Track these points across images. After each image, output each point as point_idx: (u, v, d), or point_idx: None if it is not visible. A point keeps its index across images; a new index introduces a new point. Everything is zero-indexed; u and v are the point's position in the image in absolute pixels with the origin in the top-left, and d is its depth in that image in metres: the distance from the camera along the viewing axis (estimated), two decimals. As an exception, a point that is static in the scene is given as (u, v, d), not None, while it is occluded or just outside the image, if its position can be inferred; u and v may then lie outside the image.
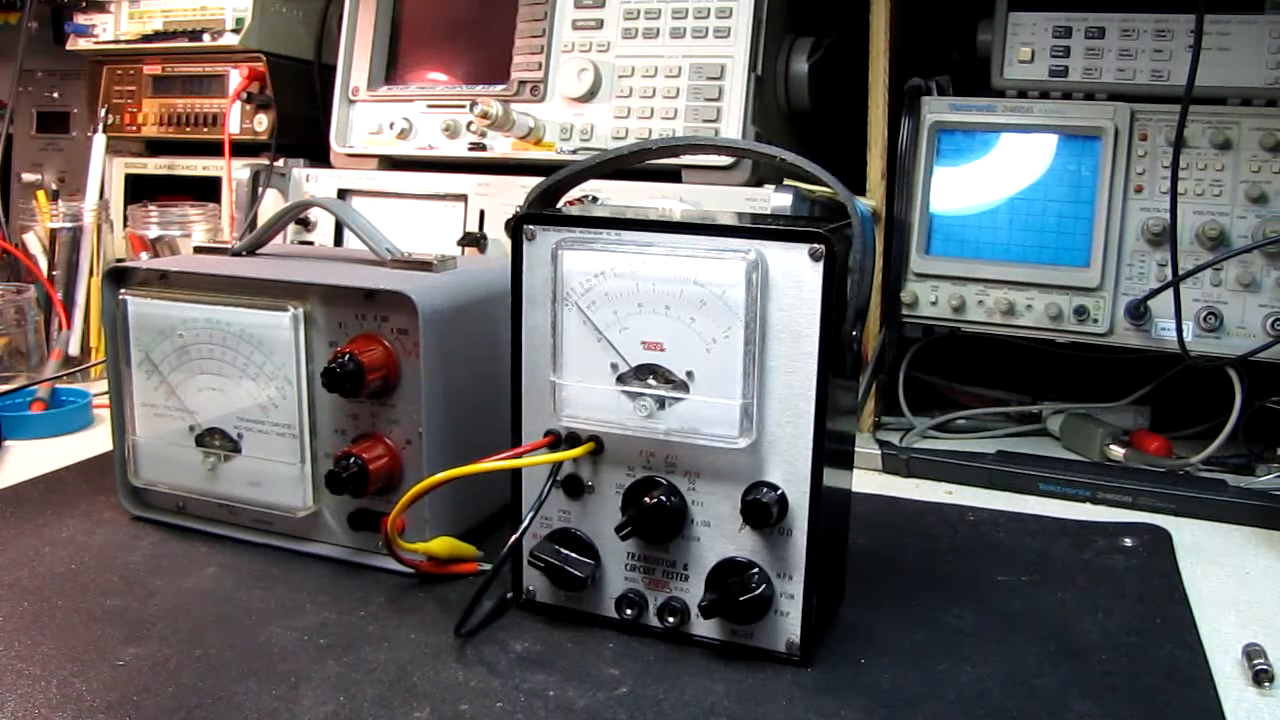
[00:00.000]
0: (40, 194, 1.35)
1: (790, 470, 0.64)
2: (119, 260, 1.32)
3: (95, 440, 1.08)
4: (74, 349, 1.31)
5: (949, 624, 0.71)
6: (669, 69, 1.12)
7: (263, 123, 1.34)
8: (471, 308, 0.81)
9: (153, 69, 1.42)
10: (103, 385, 1.14)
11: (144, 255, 1.28)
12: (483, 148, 1.20)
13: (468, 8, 1.25)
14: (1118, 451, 1.04)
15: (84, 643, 0.66)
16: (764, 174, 1.10)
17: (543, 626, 0.70)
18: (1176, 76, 1.00)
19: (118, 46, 1.41)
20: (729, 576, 0.66)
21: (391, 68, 1.28)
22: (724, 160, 1.08)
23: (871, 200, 1.10)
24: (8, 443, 1.07)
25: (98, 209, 1.36)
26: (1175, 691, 0.63)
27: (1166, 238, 0.97)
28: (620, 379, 0.66)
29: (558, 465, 0.69)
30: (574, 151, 1.15)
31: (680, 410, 0.65)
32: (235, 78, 1.36)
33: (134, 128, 1.44)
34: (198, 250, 0.94)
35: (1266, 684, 0.64)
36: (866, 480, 1.00)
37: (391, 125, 1.24)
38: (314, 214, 1.28)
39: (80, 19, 1.43)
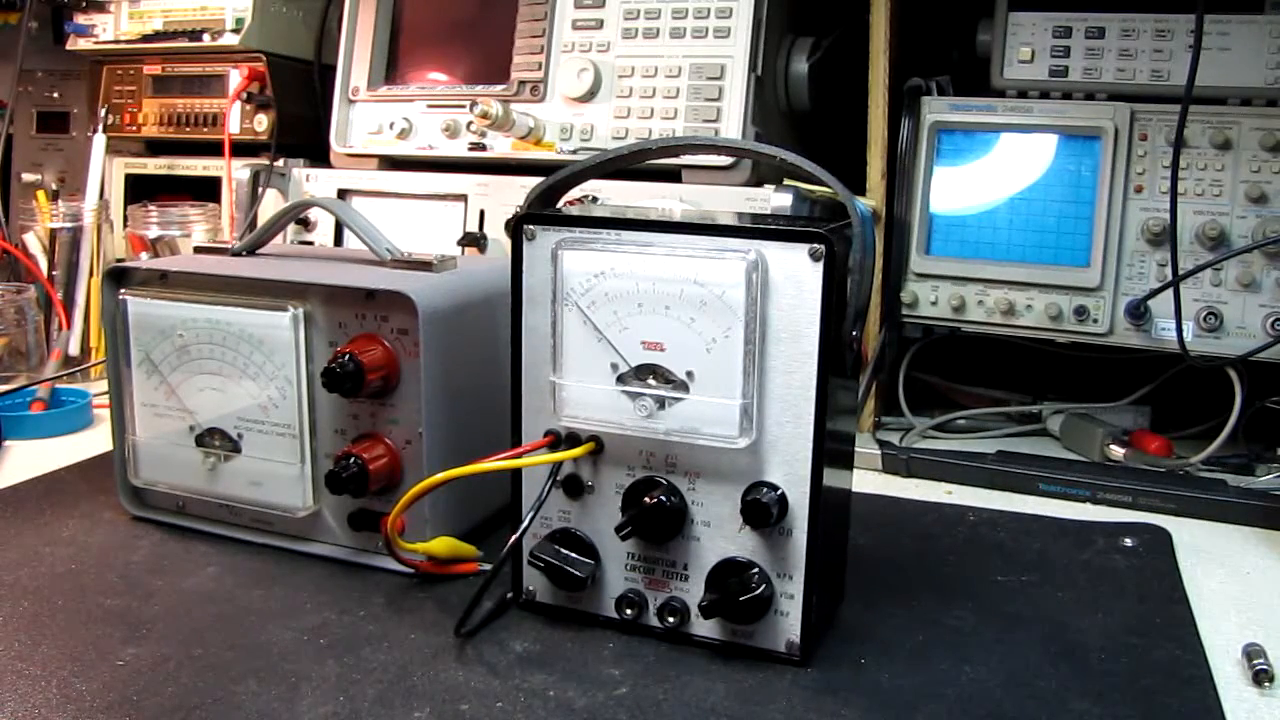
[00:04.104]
0: (40, 194, 1.35)
1: (790, 470, 0.64)
2: (119, 260, 1.33)
3: (95, 440, 1.08)
4: (74, 349, 1.31)
5: (949, 624, 0.71)
6: (669, 69, 1.12)
7: (263, 123, 1.34)
8: (471, 308, 0.81)
9: (153, 69, 1.42)
10: (103, 385, 1.14)
11: (144, 255, 1.28)
12: (483, 148, 1.20)
13: (468, 8, 1.25)
14: (1118, 451, 1.04)
15: (84, 643, 0.66)
16: (764, 174, 1.10)
17: (543, 626, 0.70)
18: (1176, 76, 1.00)
19: (118, 46, 1.41)
20: (729, 576, 0.66)
21: (391, 68, 1.28)
22: (724, 160, 1.08)
23: (871, 200, 1.10)
24: (8, 443, 1.07)
25: (98, 209, 1.36)
26: (1175, 691, 0.63)
27: (1166, 238, 0.97)
28: (620, 379, 0.66)
29: (558, 465, 0.69)
30: (574, 151, 1.15)
31: (680, 410, 0.65)
32: (235, 78, 1.36)
33: (134, 128, 1.44)
34: (198, 250, 0.94)
35: (1266, 684, 0.64)
36: (866, 480, 1.00)
37: (391, 125, 1.24)
38: (314, 214, 1.28)
39: (80, 19, 1.43)
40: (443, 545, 0.77)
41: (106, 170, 1.42)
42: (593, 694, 0.62)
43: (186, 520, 0.86)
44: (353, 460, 0.76)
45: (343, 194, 1.27)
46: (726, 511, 0.66)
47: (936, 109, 1.07)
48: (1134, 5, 1.02)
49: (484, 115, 1.14)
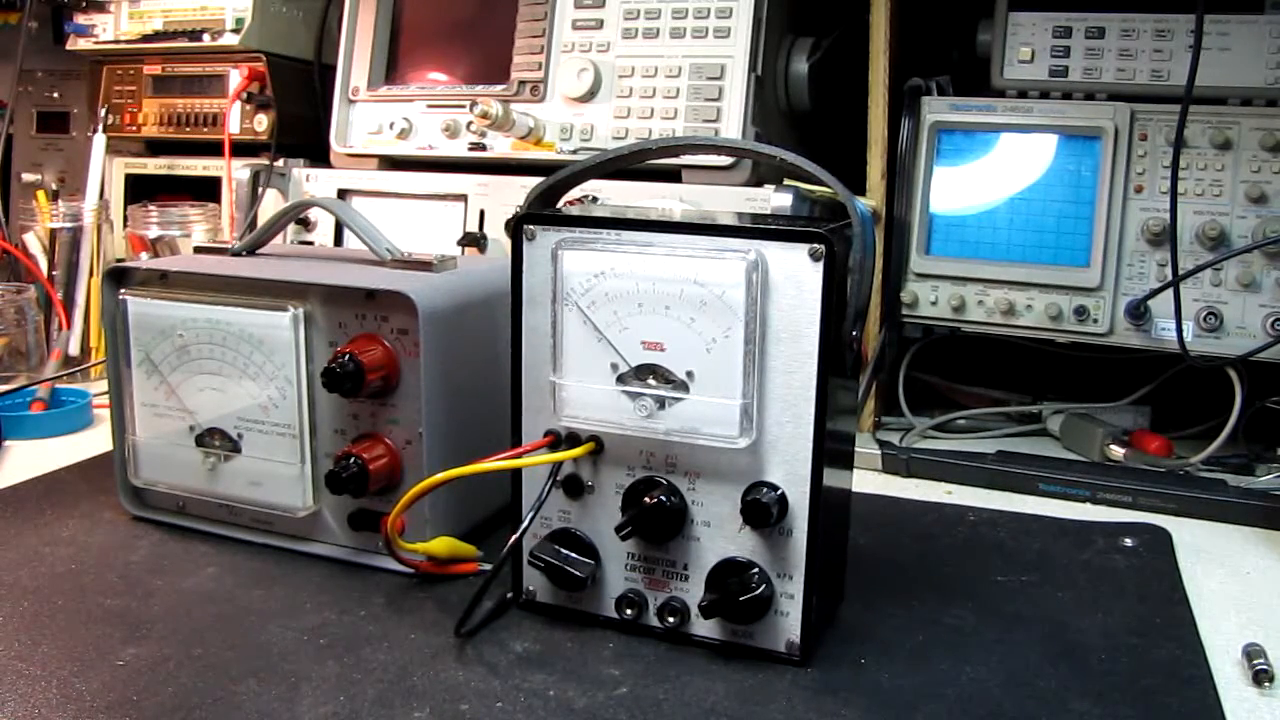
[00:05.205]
0: (40, 194, 1.35)
1: (790, 470, 0.64)
2: (119, 260, 1.33)
3: (95, 440, 1.08)
4: (74, 349, 1.31)
5: (949, 624, 0.71)
6: (669, 69, 1.12)
7: (263, 123, 1.34)
8: (471, 308, 0.81)
9: (153, 69, 1.42)
10: (103, 385, 1.14)
11: (144, 255, 1.28)
12: (483, 148, 1.20)
13: (468, 8, 1.25)
14: (1118, 451, 1.04)
15: (84, 643, 0.66)
16: (764, 174, 1.10)
17: (543, 626, 0.70)
18: (1176, 76, 1.00)
19: (118, 46, 1.41)
20: (729, 576, 0.66)
21: (391, 68, 1.28)
22: (724, 160, 1.08)
23: (871, 200, 1.10)
24: (8, 443, 1.07)
25: (98, 209, 1.36)
26: (1175, 691, 0.63)
27: (1166, 238, 0.97)
28: (620, 379, 0.66)
29: (558, 465, 0.69)
30: (574, 151, 1.15)
31: (680, 410, 0.65)
32: (235, 78, 1.36)
33: (134, 128, 1.44)
34: (198, 250, 0.94)
35: (1266, 684, 0.64)
36: (866, 480, 1.00)
37: (391, 125, 1.24)
38: (314, 214, 1.28)
39: (80, 19, 1.43)
40: (443, 545, 0.77)
41: (106, 170, 1.42)
42: (593, 694, 0.62)
43: (186, 520, 0.86)
44: (353, 460, 0.76)
45: (343, 194, 1.27)
46: (726, 511, 0.66)
47: (936, 109, 1.07)
48: (1134, 5, 1.02)
49: (484, 115, 1.14)
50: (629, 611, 0.69)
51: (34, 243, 1.34)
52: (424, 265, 0.83)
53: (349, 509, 0.80)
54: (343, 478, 0.75)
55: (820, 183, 0.67)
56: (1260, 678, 0.64)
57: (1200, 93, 0.94)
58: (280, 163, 1.31)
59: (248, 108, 1.35)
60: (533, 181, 0.75)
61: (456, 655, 0.66)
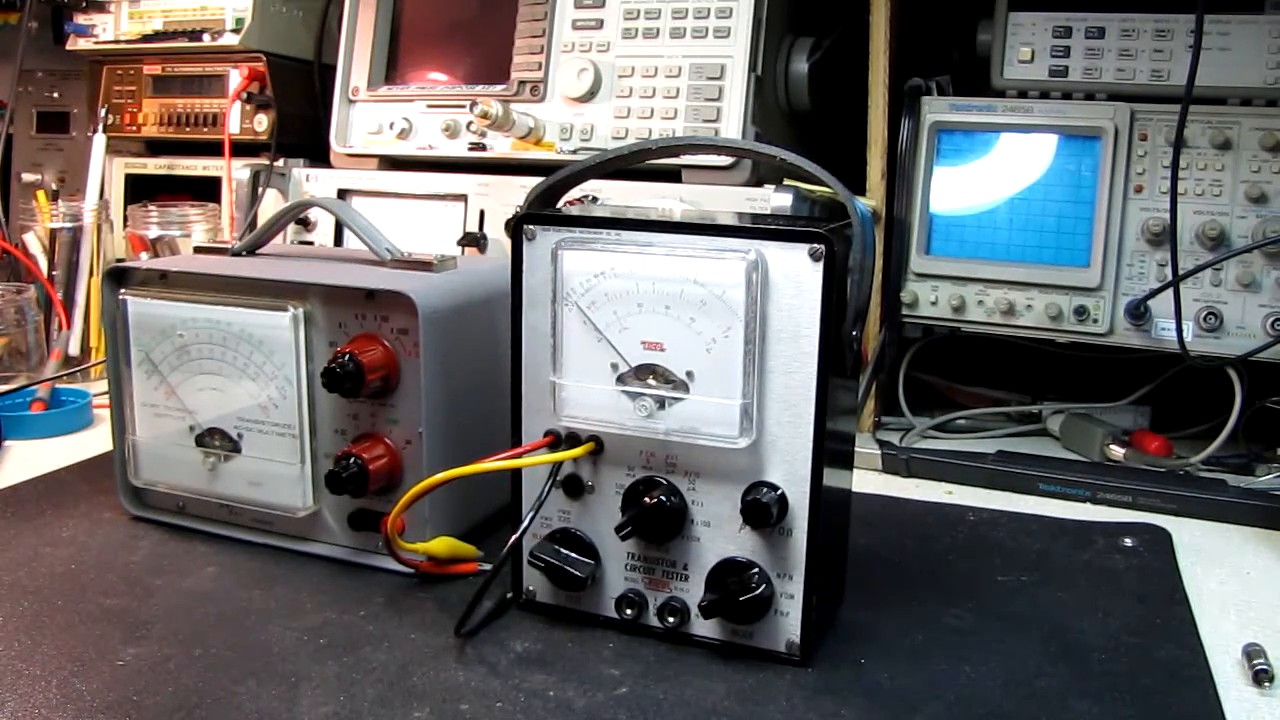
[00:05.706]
0: (40, 194, 1.35)
1: (790, 470, 0.64)
2: (119, 260, 1.33)
3: (95, 440, 1.08)
4: (74, 349, 1.31)
5: (949, 624, 0.71)
6: (669, 69, 1.12)
7: (263, 123, 1.34)
8: (471, 308, 0.81)
9: (153, 69, 1.42)
10: (103, 385, 1.14)
11: (144, 255, 1.28)
12: (483, 148, 1.20)
13: (468, 8, 1.25)
14: (1118, 451, 1.04)
15: (84, 643, 0.66)
16: (764, 174, 1.09)
17: (543, 626, 0.70)
18: (1176, 76, 1.00)
19: (118, 46, 1.41)
20: (729, 576, 0.66)
21: (391, 68, 1.28)
22: (724, 160, 1.08)
23: (871, 200, 1.10)
24: (8, 443, 1.07)
25: (98, 209, 1.36)
26: (1175, 691, 0.63)
27: (1166, 238, 0.97)
28: (620, 379, 0.66)
29: (558, 465, 0.69)
30: (574, 151, 1.15)
31: (680, 410, 0.65)
32: (235, 78, 1.36)
33: (134, 128, 1.44)
34: (198, 250, 0.94)
35: (1266, 684, 0.64)
36: (866, 480, 1.00)
37: (391, 125, 1.24)
38: (314, 214, 1.28)
39: (80, 19, 1.43)
40: (443, 545, 0.77)
41: (106, 170, 1.42)
42: (593, 694, 0.62)
43: (186, 520, 0.86)
44: (353, 460, 0.76)
45: (343, 194, 1.27)
46: (726, 511, 0.66)
47: (936, 109, 1.07)
48: (1134, 5, 1.02)
49: (484, 115, 1.14)
50: (629, 611, 0.69)
51: (34, 243, 1.34)
52: (424, 265, 0.83)
53: (349, 509, 0.80)
54: (343, 478, 0.75)
55: (820, 183, 0.67)
56: (1260, 678, 0.64)
57: (1200, 93, 0.94)
58: (280, 163, 1.31)
59: (248, 108, 1.35)
60: (533, 181, 0.75)
61: (456, 655, 0.66)
